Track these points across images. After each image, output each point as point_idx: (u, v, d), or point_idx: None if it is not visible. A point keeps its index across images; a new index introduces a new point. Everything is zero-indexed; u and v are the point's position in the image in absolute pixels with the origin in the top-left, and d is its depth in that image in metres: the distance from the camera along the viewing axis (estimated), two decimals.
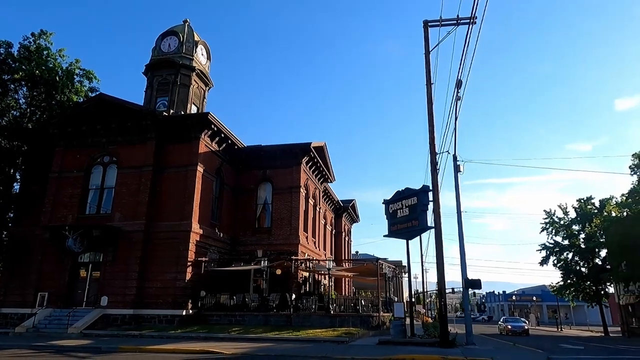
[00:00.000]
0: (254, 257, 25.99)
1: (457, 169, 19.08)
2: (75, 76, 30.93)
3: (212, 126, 24.53)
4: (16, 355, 14.25)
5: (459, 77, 17.30)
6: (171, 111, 26.77)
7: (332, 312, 21.18)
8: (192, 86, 28.86)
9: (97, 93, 28.18)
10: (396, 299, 30.30)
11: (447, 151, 18.85)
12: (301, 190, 27.99)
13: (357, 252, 71.39)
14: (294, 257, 23.77)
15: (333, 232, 42.58)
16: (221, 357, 14.22)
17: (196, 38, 30.32)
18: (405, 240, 20.08)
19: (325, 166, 32.75)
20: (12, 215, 27.04)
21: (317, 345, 16.57)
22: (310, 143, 27.74)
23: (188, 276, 22.08)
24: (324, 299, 22.38)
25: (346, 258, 43.18)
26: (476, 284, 17.61)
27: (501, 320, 43.50)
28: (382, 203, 20.77)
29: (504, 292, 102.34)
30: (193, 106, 28.92)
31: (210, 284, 23.38)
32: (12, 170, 28.31)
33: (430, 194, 17.72)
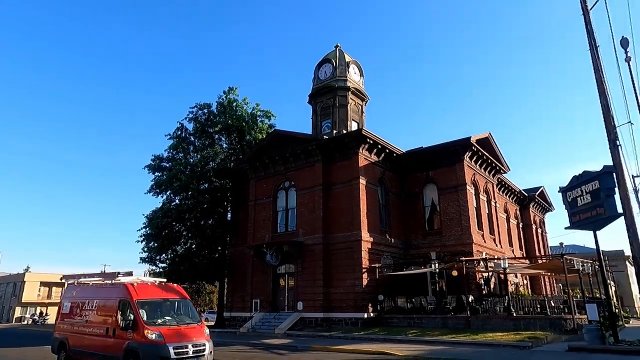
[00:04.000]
0: (428, 259, 26.17)
1: None
2: (257, 117, 37.03)
3: (368, 140, 26.01)
4: (238, 350, 18.44)
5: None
6: (334, 132, 29.41)
7: (513, 314, 19.73)
8: (349, 105, 31.07)
9: (273, 129, 33.14)
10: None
11: (630, 122, 15.77)
12: (467, 187, 26.86)
13: (561, 243, 62.64)
14: (463, 258, 23.02)
15: (520, 226, 38.93)
16: (393, 359, 15.20)
17: (347, 59, 32.57)
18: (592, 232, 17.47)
19: (495, 157, 30.52)
20: (228, 238, 33.90)
21: (493, 350, 15.93)
22: (470, 137, 26.43)
23: (365, 282, 23.82)
24: (505, 300, 20.97)
25: (540, 254, 38.73)
26: None
27: None
28: (558, 192, 18.72)
29: None
30: (353, 122, 31.00)
31: (387, 288, 24.61)
32: (225, 203, 35.54)
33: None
